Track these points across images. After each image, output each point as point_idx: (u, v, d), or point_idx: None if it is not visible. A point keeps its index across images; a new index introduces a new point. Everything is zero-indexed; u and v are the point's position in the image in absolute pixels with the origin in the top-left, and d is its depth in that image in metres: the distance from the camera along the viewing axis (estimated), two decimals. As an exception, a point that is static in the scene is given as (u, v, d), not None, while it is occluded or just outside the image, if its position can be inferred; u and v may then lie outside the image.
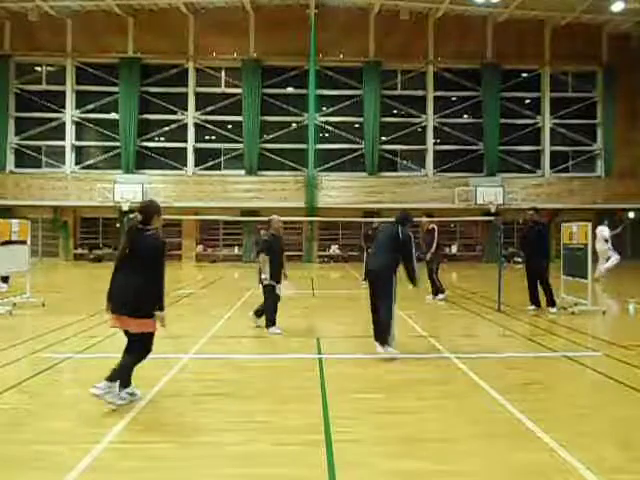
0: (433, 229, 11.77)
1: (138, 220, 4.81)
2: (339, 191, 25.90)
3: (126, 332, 4.82)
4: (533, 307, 10.29)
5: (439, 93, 27.17)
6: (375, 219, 13.92)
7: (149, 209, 4.90)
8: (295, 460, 3.68)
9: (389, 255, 6.73)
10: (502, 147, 26.93)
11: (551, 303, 10.12)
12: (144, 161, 26.84)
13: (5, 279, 12.42)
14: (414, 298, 12.45)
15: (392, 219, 7.17)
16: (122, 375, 4.71)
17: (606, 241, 15.28)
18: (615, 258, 15.29)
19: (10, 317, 9.47)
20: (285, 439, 4.01)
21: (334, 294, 12.23)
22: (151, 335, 4.83)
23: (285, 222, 9.10)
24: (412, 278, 6.77)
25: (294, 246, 26.30)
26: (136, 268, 4.69)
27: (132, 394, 4.88)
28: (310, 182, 25.62)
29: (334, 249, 26.86)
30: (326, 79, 26.43)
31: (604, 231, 15.36)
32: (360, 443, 3.95)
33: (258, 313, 8.65)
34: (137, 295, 4.67)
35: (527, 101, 27.71)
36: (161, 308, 4.76)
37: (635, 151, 26.58)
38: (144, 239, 4.75)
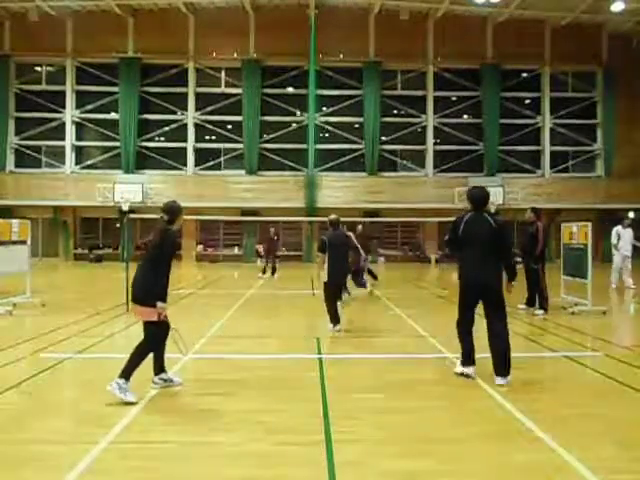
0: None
1: (165, 220, 5.19)
2: (339, 191, 25.90)
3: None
4: (524, 306, 10.24)
5: (439, 93, 27.17)
6: (363, 219, 13.78)
7: (174, 211, 5.28)
8: (295, 460, 3.67)
9: (495, 257, 5.49)
10: (502, 147, 26.93)
11: (540, 305, 9.93)
12: (144, 161, 26.84)
13: None
14: (414, 298, 12.45)
15: (468, 207, 5.72)
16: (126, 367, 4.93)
17: (617, 242, 14.35)
18: (616, 262, 14.46)
19: (10, 317, 9.47)
20: (285, 439, 4.01)
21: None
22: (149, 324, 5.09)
23: (285, 222, 9.22)
24: (513, 273, 5.64)
25: (294, 246, 26.33)
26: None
27: (169, 380, 5.31)
28: (310, 182, 25.62)
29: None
30: (326, 79, 26.43)
31: (619, 231, 14.42)
32: (360, 443, 3.95)
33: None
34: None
35: (527, 101, 27.72)
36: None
37: (635, 151, 26.56)
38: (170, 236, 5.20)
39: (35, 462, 3.63)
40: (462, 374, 5.60)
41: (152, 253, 5.11)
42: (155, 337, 5.14)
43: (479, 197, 5.65)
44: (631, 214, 26.64)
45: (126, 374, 4.83)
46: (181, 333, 5.43)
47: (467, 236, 5.50)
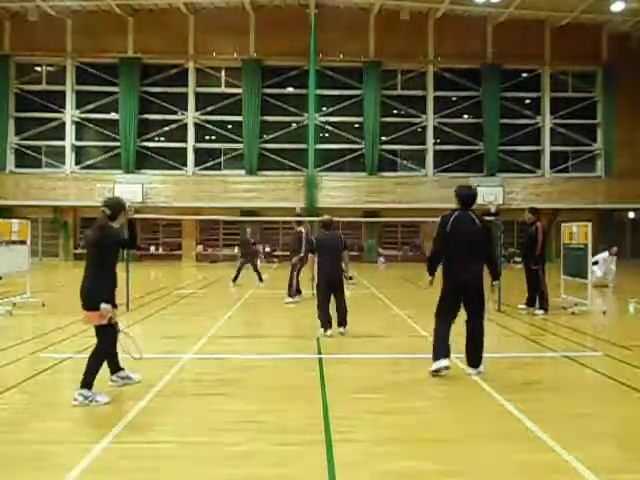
0: (301, 232, 11.81)
1: (107, 214, 5.01)
2: (339, 191, 25.90)
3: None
4: (524, 306, 10.23)
5: (439, 93, 27.19)
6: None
7: (116, 206, 5.13)
8: (295, 460, 3.67)
9: (479, 256, 5.58)
10: (502, 147, 26.95)
11: (540, 305, 9.92)
12: (144, 161, 26.85)
13: None
14: (414, 298, 12.45)
15: (454, 205, 5.72)
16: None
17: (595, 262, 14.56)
18: (597, 277, 14.42)
19: (10, 317, 9.47)
20: (285, 439, 4.00)
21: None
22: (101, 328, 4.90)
23: (285, 222, 9.12)
24: (497, 273, 5.81)
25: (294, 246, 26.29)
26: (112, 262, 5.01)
27: (127, 377, 5.27)
28: (310, 182, 25.62)
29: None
30: (326, 79, 26.44)
31: (606, 259, 14.99)
32: (360, 443, 3.95)
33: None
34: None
35: (527, 101, 27.74)
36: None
37: (635, 151, 26.59)
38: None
39: (35, 462, 3.62)
40: (438, 370, 5.54)
41: (93, 252, 4.87)
42: (109, 340, 4.97)
43: (468, 196, 5.72)
44: (631, 214, 26.72)
45: (87, 383, 4.74)
46: (132, 336, 5.36)
47: (454, 234, 5.54)
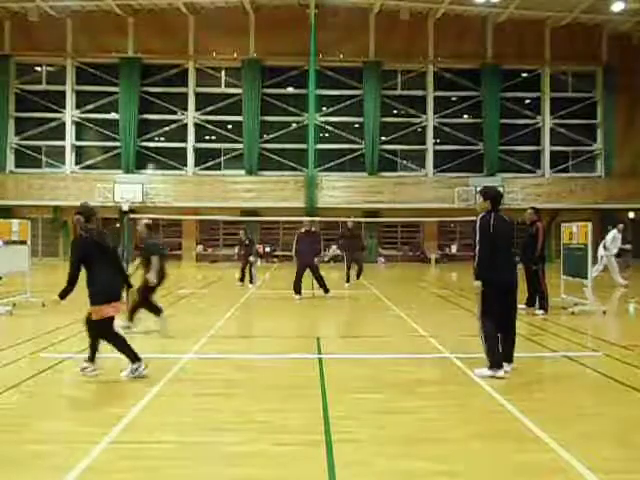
0: (317, 232, 12.49)
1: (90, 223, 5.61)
2: (339, 191, 25.92)
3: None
4: (524, 306, 10.18)
5: (439, 93, 27.20)
6: (349, 219, 15.28)
7: (91, 212, 5.73)
8: (295, 460, 3.67)
9: (513, 258, 5.88)
10: (502, 147, 26.95)
11: (540, 305, 9.91)
12: (144, 161, 26.85)
13: None
14: (414, 298, 12.45)
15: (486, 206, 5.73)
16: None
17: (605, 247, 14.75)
18: (597, 269, 14.63)
19: (10, 317, 9.47)
20: (285, 439, 4.00)
21: (334, 294, 12.29)
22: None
23: (285, 222, 9.31)
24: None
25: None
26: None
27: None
28: (310, 182, 25.62)
29: (334, 249, 26.85)
30: (326, 79, 26.46)
31: (616, 236, 14.87)
32: (360, 443, 3.95)
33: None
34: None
35: (527, 101, 27.75)
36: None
37: (635, 151, 26.59)
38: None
39: (35, 462, 3.62)
40: (493, 377, 5.51)
41: (117, 254, 5.74)
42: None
43: (500, 196, 5.87)
44: (631, 214, 26.70)
45: (132, 359, 5.49)
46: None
47: (497, 236, 5.62)
